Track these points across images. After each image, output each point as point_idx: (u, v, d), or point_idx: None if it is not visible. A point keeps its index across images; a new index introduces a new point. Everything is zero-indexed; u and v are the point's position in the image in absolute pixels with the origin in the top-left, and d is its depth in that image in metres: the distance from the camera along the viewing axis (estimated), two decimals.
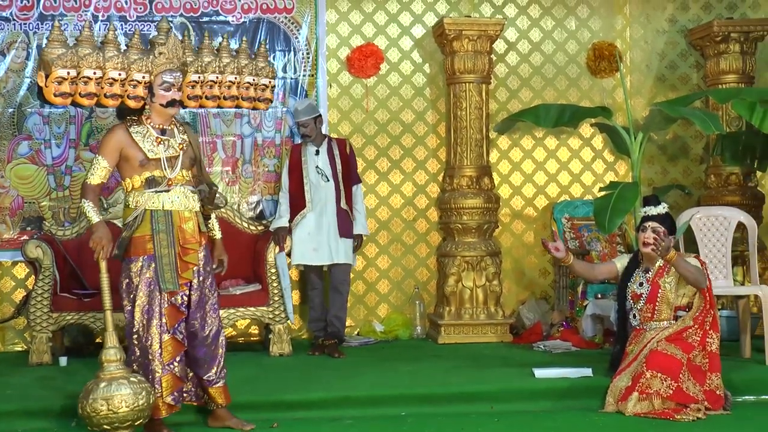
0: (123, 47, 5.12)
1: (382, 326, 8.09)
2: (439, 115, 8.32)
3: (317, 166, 7.29)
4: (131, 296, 5.08)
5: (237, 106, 5.58)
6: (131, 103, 5.07)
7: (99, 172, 5.07)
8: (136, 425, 4.97)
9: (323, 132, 7.51)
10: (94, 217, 5.03)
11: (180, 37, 5.37)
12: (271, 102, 5.79)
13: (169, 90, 5.08)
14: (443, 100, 8.27)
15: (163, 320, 5.07)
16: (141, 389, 4.93)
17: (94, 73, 4.98)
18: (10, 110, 7.70)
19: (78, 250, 7.36)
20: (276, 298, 7.18)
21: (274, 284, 7.19)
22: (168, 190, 5.11)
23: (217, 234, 5.45)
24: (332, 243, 7.26)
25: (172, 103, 5.11)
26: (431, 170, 8.35)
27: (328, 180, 7.27)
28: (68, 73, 4.94)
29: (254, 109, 5.66)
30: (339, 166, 7.32)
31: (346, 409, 5.71)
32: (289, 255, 7.32)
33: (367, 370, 6.56)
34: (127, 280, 5.10)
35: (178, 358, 5.13)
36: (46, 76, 4.94)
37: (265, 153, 7.97)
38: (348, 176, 7.36)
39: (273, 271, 7.18)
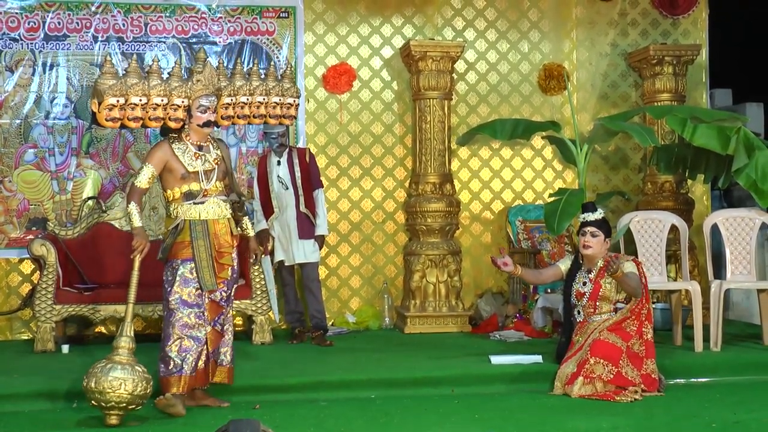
0: (165, 75, 5.30)
1: (354, 318, 8.07)
2: (406, 128, 8.30)
3: (278, 176, 7.20)
4: (168, 292, 5.26)
5: (265, 123, 5.69)
6: (172, 124, 5.26)
7: (147, 177, 5.27)
8: (130, 409, 4.96)
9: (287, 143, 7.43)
10: (137, 221, 5.23)
11: (214, 65, 5.47)
12: (295, 118, 5.96)
13: (206, 112, 5.29)
14: (409, 114, 8.25)
15: (205, 314, 5.29)
16: (141, 378, 4.96)
17: (140, 100, 5.15)
18: (18, 121, 7.62)
19: (79, 248, 7.31)
20: (258, 293, 7.12)
21: (257, 280, 7.13)
22: (203, 202, 5.31)
23: (251, 232, 5.73)
24: (294, 244, 7.18)
25: (207, 124, 5.31)
26: (399, 177, 8.32)
27: (287, 188, 7.17)
28: (118, 101, 5.11)
29: (281, 124, 5.79)
30: (298, 174, 7.20)
31: (321, 392, 5.72)
32: (272, 254, 7.26)
33: (341, 357, 6.56)
34: (167, 278, 5.29)
35: (212, 350, 5.36)
36: (99, 104, 5.12)
37: (248, 161, 7.92)
38: (308, 183, 7.23)
39: (255, 267, 7.11)
